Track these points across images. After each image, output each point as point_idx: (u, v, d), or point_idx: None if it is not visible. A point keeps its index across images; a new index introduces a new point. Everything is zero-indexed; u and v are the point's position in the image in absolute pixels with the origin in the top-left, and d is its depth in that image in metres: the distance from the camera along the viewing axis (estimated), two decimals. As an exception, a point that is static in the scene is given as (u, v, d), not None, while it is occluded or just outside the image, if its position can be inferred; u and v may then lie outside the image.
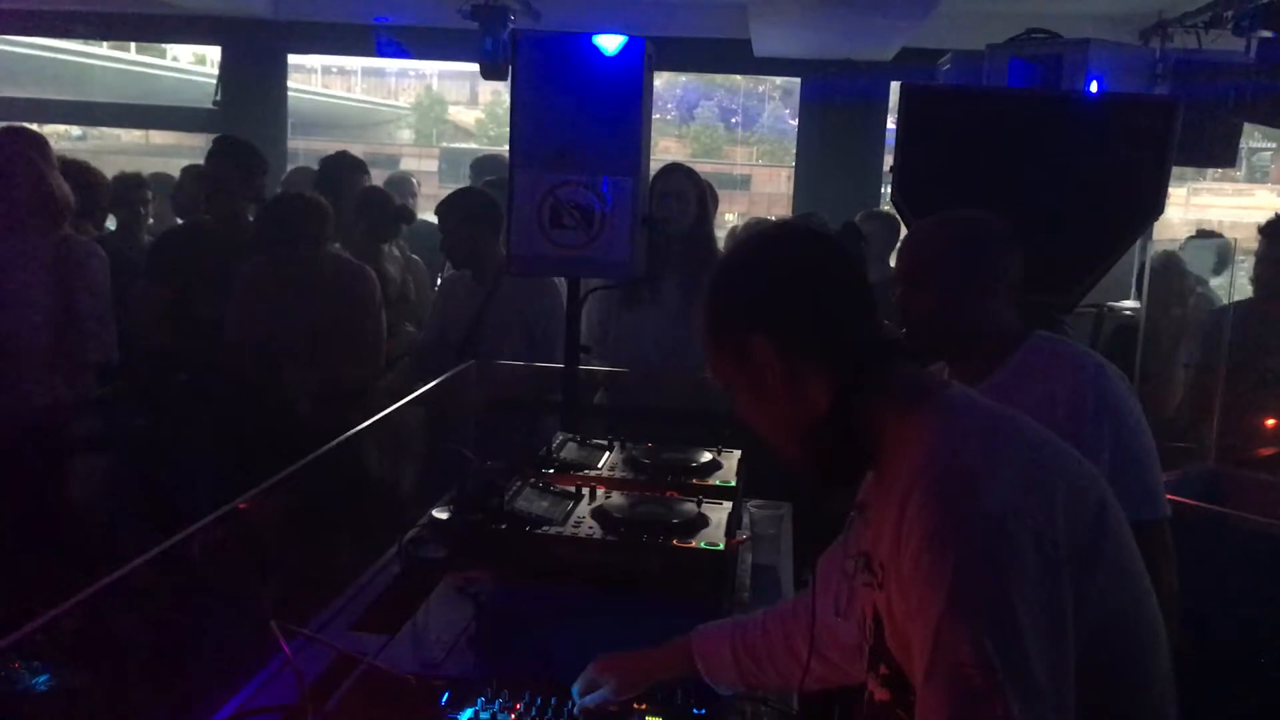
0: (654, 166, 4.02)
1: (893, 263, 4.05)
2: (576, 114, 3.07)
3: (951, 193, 3.11)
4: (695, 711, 1.88)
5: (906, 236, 2.46)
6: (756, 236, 1.69)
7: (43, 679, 1.82)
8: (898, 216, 5.09)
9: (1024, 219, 3.03)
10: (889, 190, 3.56)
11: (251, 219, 4.33)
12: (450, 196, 4.41)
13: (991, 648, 1.25)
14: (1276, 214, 4.20)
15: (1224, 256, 5.98)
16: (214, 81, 7.50)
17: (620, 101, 3.08)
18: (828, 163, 7.40)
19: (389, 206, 4.77)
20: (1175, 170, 3.28)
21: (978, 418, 1.47)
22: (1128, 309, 4.52)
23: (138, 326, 3.92)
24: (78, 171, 4.45)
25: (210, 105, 7.30)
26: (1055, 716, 1.26)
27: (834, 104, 7.35)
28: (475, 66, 6.41)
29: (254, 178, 4.30)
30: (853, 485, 1.60)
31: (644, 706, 1.85)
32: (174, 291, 4.10)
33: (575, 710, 1.84)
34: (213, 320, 4.00)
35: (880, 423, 1.46)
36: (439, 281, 4.86)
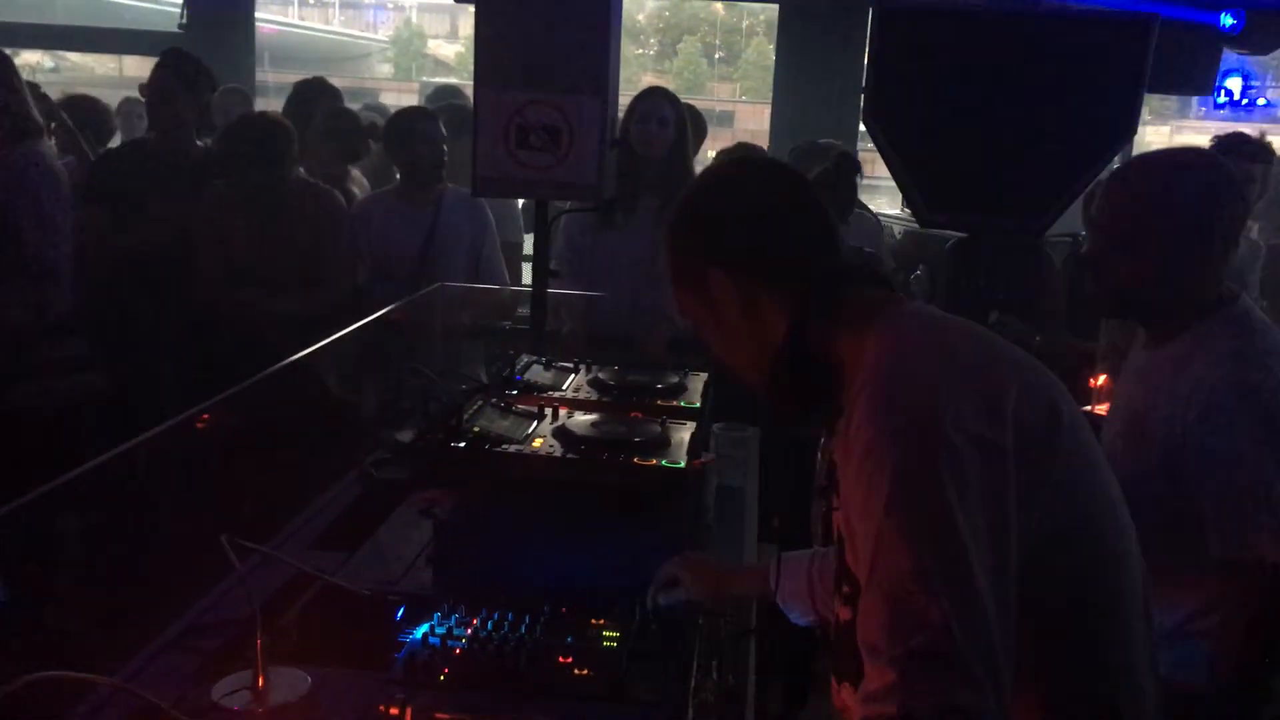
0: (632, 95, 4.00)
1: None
2: (543, 30, 3.01)
3: (923, 114, 3.09)
4: (653, 628, 1.87)
5: (1117, 183, 2.10)
6: (712, 172, 1.72)
7: (-9, 594, 1.80)
8: (829, 148, 5.05)
9: (995, 140, 3.03)
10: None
11: (197, 138, 4.22)
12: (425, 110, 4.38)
13: (929, 555, 1.25)
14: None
15: None
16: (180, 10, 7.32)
17: (588, 18, 3.02)
18: (806, 93, 7.31)
19: (357, 125, 4.68)
20: (1158, 107, 3.25)
21: (927, 328, 1.47)
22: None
23: (79, 249, 3.84)
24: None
25: (176, 29, 7.15)
26: (996, 624, 1.24)
27: (813, 32, 7.24)
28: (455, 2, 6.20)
29: (199, 93, 4.15)
30: (817, 410, 1.58)
31: (601, 622, 1.84)
32: (111, 211, 4.00)
33: (649, 605, 1.87)
34: (155, 240, 3.91)
35: (838, 346, 1.46)
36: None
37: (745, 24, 35.57)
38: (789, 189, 1.57)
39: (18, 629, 1.82)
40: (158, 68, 4.10)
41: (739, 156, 1.75)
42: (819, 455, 1.67)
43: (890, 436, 1.30)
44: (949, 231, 3.59)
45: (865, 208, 5.19)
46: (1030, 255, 3.45)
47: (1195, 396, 1.96)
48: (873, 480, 1.29)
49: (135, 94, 5.98)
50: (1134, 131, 3.06)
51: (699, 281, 1.53)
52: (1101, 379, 2.78)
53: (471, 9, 3.07)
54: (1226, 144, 4.00)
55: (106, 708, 1.61)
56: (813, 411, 1.57)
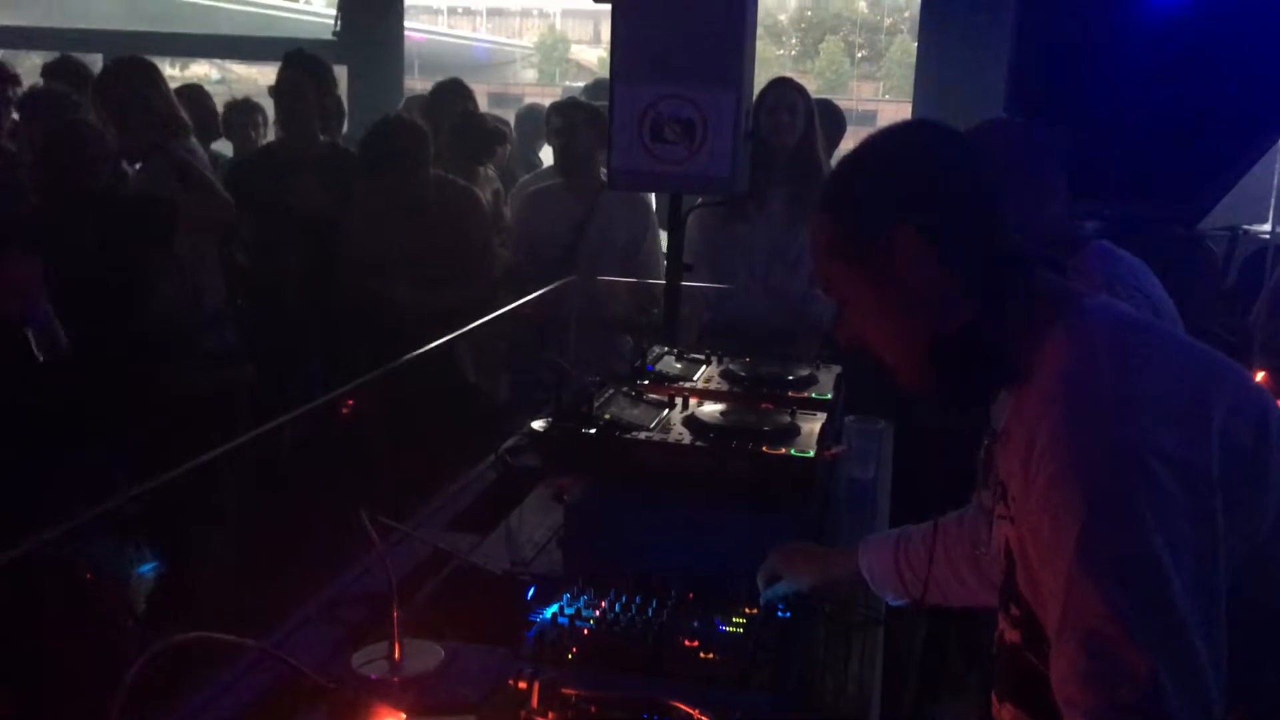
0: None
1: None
2: (678, 24, 3.02)
3: (1068, 98, 3.00)
4: (780, 614, 1.87)
5: None
6: (891, 130, 1.51)
7: (148, 567, 1.90)
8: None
9: (1145, 125, 2.92)
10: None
11: (322, 135, 4.36)
12: (567, 102, 4.47)
13: (1131, 598, 1.12)
14: None
15: None
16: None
17: (722, 11, 3.03)
18: (948, 89, 7.14)
19: (484, 130, 4.78)
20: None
21: (1121, 336, 1.31)
22: (1265, 232, 4.29)
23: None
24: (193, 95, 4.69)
25: (330, 37, 7.42)
26: (1209, 669, 1.12)
27: (955, 27, 7.07)
28: (598, 6, 6.27)
29: (325, 91, 4.28)
30: (976, 402, 1.51)
31: (728, 608, 1.84)
32: (245, 210, 4.17)
33: (761, 601, 1.86)
34: (296, 237, 4.06)
35: (1019, 337, 1.33)
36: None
37: (888, 22, 35.03)
38: (976, 154, 1.43)
39: (172, 595, 1.92)
40: (281, 70, 4.26)
41: (911, 119, 1.60)
42: (980, 455, 1.56)
43: (1081, 465, 1.18)
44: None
45: None
46: (1186, 245, 3.30)
47: None
48: (1061, 513, 1.18)
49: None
50: (1294, 118, 2.90)
51: (877, 243, 1.36)
52: (1260, 375, 2.66)
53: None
54: None
55: (252, 672, 1.69)
56: (971, 403, 1.49)
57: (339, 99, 4.41)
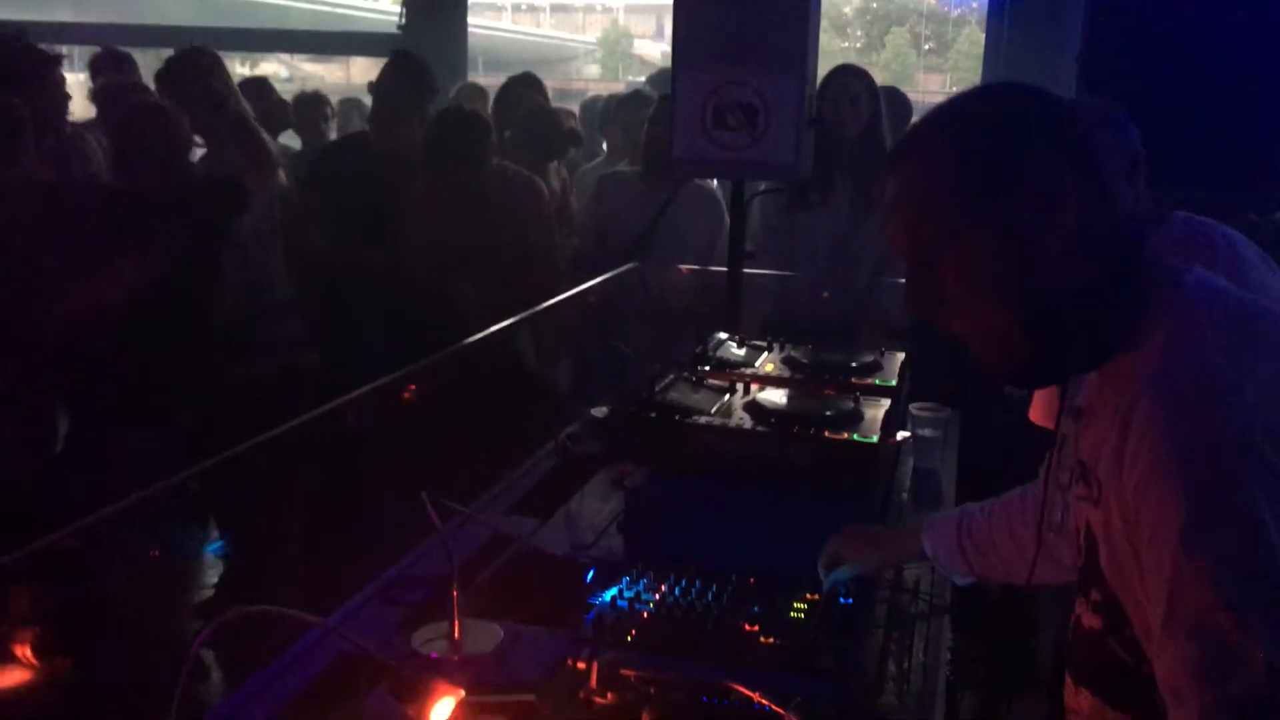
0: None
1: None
2: (741, 10, 3.00)
3: (1140, 86, 2.93)
4: (842, 600, 1.85)
5: None
6: (996, 83, 1.40)
7: (214, 547, 1.93)
8: None
9: (1221, 110, 2.84)
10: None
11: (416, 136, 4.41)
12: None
13: (1240, 586, 1.06)
14: None
15: None
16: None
17: (786, -3, 3.00)
18: (1016, 78, 7.03)
19: (557, 128, 4.78)
20: None
21: (1223, 313, 1.23)
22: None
23: (292, 234, 4.07)
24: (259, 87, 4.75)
25: (395, 30, 7.49)
26: None
27: (1024, 13, 6.95)
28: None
29: (421, 94, 4.35)
30: (1053, 382, 1.44)
31: (789, 592, 1.83)
32: (327, 200, 4.21)
33: (824, 586, 1.84)
34: (372, 231, 4.10)
35: (1120, 310, 1.25)
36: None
37: (955, 13, 34.62)
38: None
39: (239, 576, 1.95)
40: (385, 67, 4.32)
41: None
42: (1057, 435, 1.49)
43: (1184, 449, 1.12)
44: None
45: None
46: (1262, 232, 3.21)
47: None
48: (1162, 500, 1.12)
49: (355, 97, 6.36)
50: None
51: (1001, 181, 1.23)
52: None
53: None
54: None
55: (315, 649, 1.71)
56: (1050, 380, 1.41)
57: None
